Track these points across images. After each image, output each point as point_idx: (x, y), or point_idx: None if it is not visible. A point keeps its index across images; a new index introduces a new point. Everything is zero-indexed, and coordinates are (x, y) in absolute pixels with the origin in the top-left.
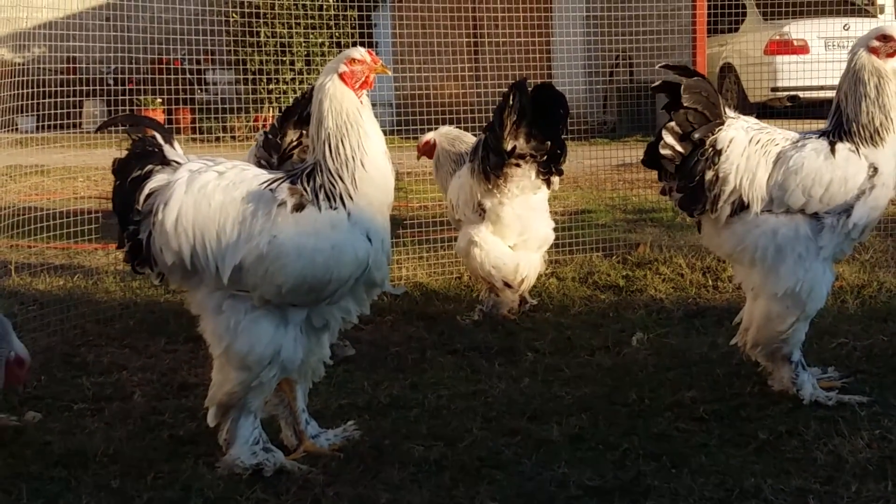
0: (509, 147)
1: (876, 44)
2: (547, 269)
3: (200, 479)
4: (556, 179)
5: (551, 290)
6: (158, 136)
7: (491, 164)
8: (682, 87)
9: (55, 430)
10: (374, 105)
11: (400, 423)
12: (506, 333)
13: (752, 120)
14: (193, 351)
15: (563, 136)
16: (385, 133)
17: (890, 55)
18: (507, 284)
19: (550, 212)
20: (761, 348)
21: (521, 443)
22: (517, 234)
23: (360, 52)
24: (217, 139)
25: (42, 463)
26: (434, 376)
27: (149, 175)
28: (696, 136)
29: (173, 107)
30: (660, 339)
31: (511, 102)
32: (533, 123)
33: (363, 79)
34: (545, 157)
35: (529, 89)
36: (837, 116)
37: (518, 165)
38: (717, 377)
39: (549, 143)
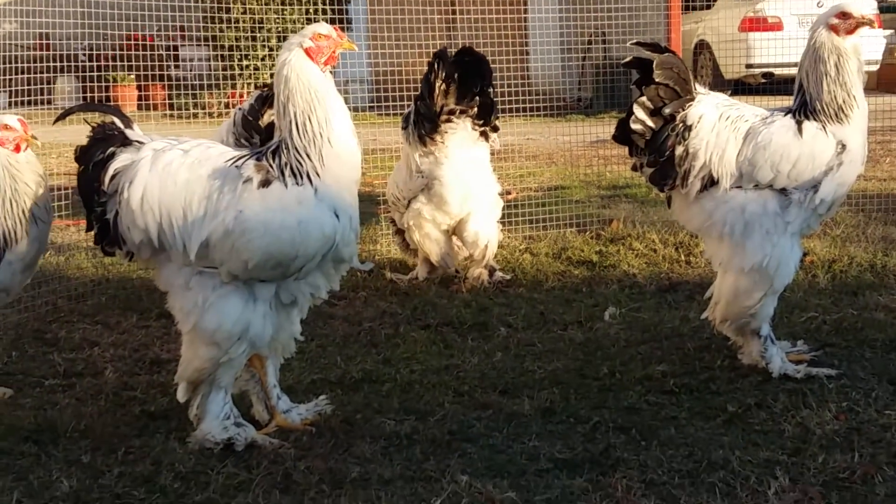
0: (439, 108)
1: (835, 21)
2: (521, 244)
3: (171, 453)
4: (493, 135)
5: (525, 265)
6: (117, 121)
7: (426, 129)
8: (654, 63)
9: (26, 405)
10: (349, 81)
11: (372, 397)
12: (479, 308)
13: (722, 96)
14: (166, 327)
15: (489, 92)
16: (360, 110)
17: (849, 32)
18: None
19: (524, 188)
20: (730, 323)
21: (493, 416)
22: (460, 197)
23: (326, 27)
24: (192, 116)
25: (13, 438)
26: (406, 351)
27: (112, 157)
28: (667, 111)
29: (146, 83)
30: (632, 313)
31: (436, 69)
32: (460, 84)
33: (329, 54)
34: (476, 110)
35: (451, 56)
36: (801, 95)
37: (450, 121)
38: (688, 351)
39: (477, 97)
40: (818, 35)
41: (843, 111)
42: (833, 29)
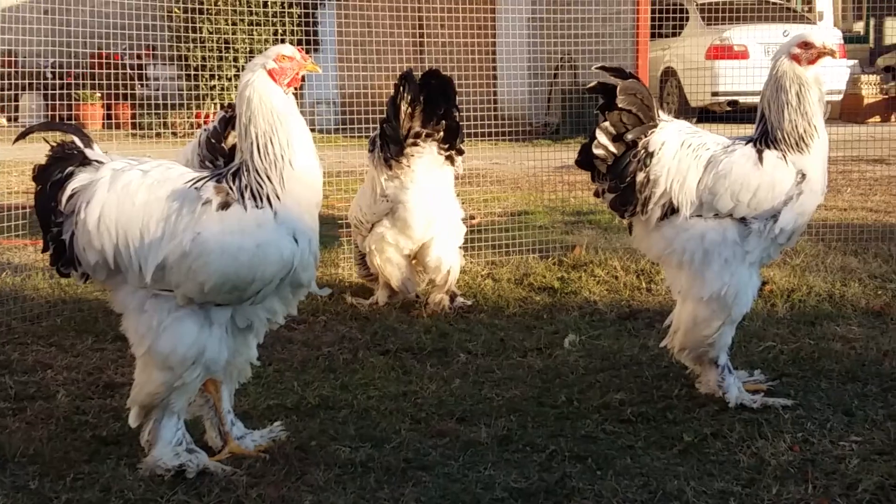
0: (405, 130)
1: (797, 51)
2: (483, 269)
3: (121, 480)
4: (458, 159)
5: (486, 291)
6: (77, 140)
7: (392, 152)
8: (618, 88)
9: None
10: (316, 103)
11: (328, 424)
12: (439, 334)
13: (685, 124)
14: (121, 350)
15: (455, 114)
16: (327, 131)
17: (811, 62)
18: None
19: (488, 213)
20: (688, 352)
21: (449, 444)
22: (425, 222)
23: (289, 49)
24: (157, 135)
25: None
26: (365, 377)
27: (70, 176)
28: (630, 137)
29: (113, 102)
30: (591, 341)
31: (402, 92)
32: (426, 106)
33: (292, 76)
34: (442, 134)
35: (418, 78)
36: (763, 124)
37: (416, 144)
38: (646, 379)
39: (443, 121)
40: (780, 64)
41: (803, 140)
42: (795, 58)
